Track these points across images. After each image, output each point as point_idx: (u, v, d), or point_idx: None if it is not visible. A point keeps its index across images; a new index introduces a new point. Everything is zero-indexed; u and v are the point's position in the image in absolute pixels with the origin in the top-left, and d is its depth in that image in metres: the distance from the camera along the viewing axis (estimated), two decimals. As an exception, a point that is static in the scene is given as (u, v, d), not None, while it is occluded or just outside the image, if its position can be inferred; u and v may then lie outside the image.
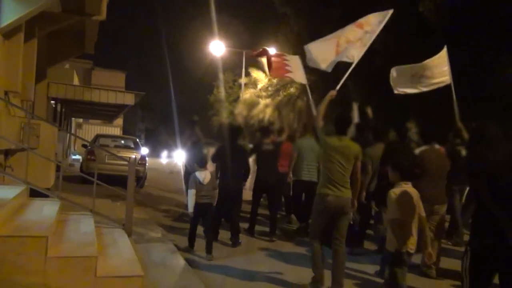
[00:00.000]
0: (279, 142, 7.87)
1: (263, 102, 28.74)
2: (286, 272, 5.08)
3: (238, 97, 27.26)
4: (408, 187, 3.87)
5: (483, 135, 3.28)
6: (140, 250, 4.98)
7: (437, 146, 5.58)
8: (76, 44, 10.64)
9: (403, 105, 11.35)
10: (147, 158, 14.10)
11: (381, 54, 11.97)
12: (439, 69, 6.89)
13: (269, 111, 27.46)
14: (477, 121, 3.54)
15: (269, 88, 28.05)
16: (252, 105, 29.13)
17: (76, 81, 22.19)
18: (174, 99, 36.06)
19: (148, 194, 11.45)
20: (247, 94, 29.13)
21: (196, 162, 5.96)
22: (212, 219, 5.90)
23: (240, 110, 28.71)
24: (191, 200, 5.65)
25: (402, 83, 7.11)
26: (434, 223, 5.22)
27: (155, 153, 40.58)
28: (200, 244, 5.76)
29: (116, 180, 7.52)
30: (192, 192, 5.64)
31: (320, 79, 18.96)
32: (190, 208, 5.68)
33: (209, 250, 5.53)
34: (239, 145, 6.80)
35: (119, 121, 34.40)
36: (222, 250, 5.96)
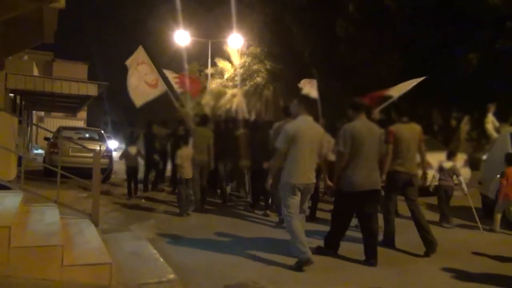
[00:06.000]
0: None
1: (230, 92, 28.66)
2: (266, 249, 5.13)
3: (205, 87, 27.03)
4: None
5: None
6: (108, 239, 4.93)
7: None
8: (34, 33, 10.22)
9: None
10: (113, 151, 13.88)
11: (344, 40, 12.18)
12: None
13: (236, 100, 27.42)
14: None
15: (236, 78, 27.99)
16: (219, 95, 28.99)
17: (36, 73, 21.34)
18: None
19: (114, 186, 11.28)
20: (213, 84, 28.94)
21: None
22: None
23: (207, 100, 28.52)
24: None
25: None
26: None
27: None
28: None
29: (82, 174, 7.36)
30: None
31: (286, 68, 19.05)
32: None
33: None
34: (153, 133, 10.28)
35: (83, 114, 33.55)
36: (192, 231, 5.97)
